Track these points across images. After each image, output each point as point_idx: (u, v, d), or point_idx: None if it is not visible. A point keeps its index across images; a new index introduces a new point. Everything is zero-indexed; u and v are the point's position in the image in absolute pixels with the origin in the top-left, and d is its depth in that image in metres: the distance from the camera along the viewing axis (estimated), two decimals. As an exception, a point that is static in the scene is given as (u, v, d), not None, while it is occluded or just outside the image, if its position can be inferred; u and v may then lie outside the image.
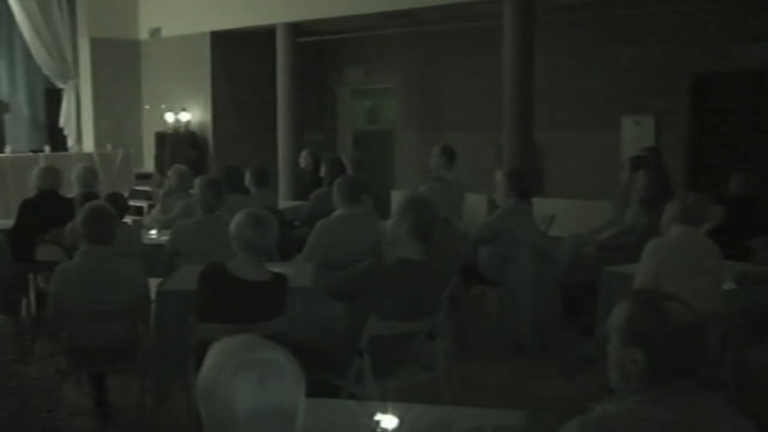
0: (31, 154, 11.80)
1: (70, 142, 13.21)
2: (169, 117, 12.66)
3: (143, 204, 10.72)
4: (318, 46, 12.39)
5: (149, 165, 13.02)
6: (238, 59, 12.60)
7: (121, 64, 13.09)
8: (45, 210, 6.51)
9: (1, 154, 11.46)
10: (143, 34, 13.31)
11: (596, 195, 9.48)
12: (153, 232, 6.59)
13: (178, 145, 12.45)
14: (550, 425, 2.02)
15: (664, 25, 9.84)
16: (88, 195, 6.24)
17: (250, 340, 1.71)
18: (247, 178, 7.57)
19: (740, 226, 6.19)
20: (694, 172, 9.88)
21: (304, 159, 9.79)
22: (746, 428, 1.95)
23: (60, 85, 13.17)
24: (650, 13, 9.76)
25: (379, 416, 2.44)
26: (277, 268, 4.16)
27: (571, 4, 9.65)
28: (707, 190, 5.85)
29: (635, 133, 10.05)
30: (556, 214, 7.79)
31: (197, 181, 5.79)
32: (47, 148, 11.96)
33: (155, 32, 13.12)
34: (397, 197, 6.38)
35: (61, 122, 13.26)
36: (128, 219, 7.08)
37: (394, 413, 2.47)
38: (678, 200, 4.71)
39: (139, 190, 11.57)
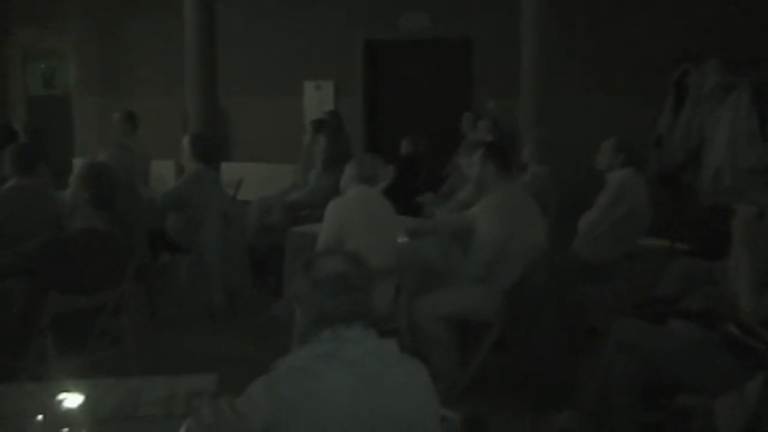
0: None
1: None
2: None
3: None
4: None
5: None
6: None
7: None
8: None
9: None
10: None
11: (282, 158, 9.71)
12: None
13: None
14: (240, 386, 2.08)
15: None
16: None
17: None
18: None
19: (410, 183, 6.70)
20: (371, 135, 10.47)
21: (-31, 126, 8.95)
22: (417, 368, 2.16)
23: None
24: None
25: (63, 395, 2.35)
26: (-61, 247, 3.82)
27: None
28: (382, 152, 6.27)
29: (316, 98, 10.41)
30: (243, 178, 7.89)
31: None
32: None
33: None
34: (78, 165, 6.08)
35: None
36: None
37: (79, 390, 2.40)
38: (355, 161, 4.99)
39: None
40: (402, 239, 4.97)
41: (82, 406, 2.34)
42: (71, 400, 2.34)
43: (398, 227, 4.97)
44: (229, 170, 8.51)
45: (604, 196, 5.38)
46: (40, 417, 2.28)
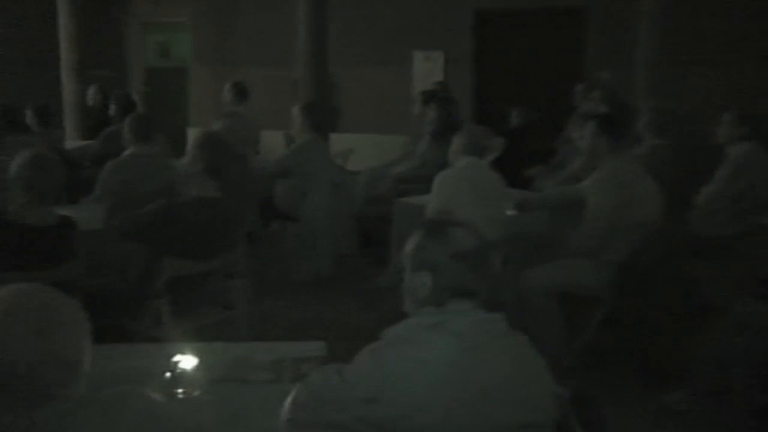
0: None
1: None
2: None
3: None
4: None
5: None
6: (11, -13, 11.65)
7: None
8: None
9: None
10: None
11: (390, 129, 9.71)
12: None
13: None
14: (348, 354, 2.09)
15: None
16: None
17: (26, 289, 1.65)
18: (29, 117, 7.12)
19: (520, 156, 6.59)
20: (480, 106, 10.35)
21: (92, 96, 9.32)
22: (524, 342, 2.11)
23: None
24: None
25: (178, 357, 2.42)
26: (65, 211, 3.98)
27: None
28: (491, 123, 6.17)
29: (426, 69, 10.34)
30: (353, 149, 7.93)
31: (-31, 122, 5.39)
32: None
33: None
34: (193, 135, 6.26)
35: None
36: None
37: (193, 353, 2.46)
38: (463, 133, 4.94)
39: None
40: (510, 212, 4.91)
41: (196, 368, 2.40)
42: (186, 361, 2.40)
43: (507, 199, 4.91)
44: (338, 141, 8.58)
45: (724, 170, 5.18)
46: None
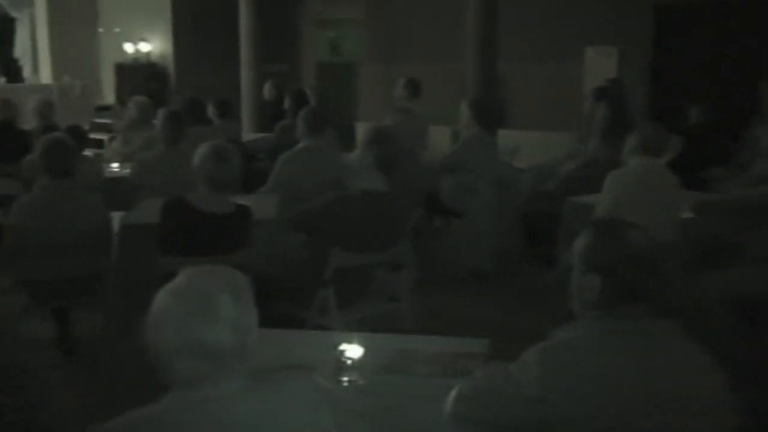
0: (-15, 85, 11.57)
1: (26, 73, 12.91)
2: (129, 47, 12.40)
3: (104, 136, 10.57)
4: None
5: (109, 96, 12.78)
6: (198, -13, 12.33)
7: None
8: (0, 142, 6.41)
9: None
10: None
11: (559, 126, 9.51)
12: (114, 165, 6.52)
13: (138, 76, 12.23)
14: (512, 353, 2.06)
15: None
16: (47, 127, 6.15)
17: (200, 271, 1.73)
18: (210, 110, 7.49)
19: (698, 156, 6.28)
20: (657, 104, 9.94)
21: (268, 90, 9.69)
22: (697, 352, 2.01)
23: (14, 14, 12.81)
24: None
25: (343, 346, 2.47)
26: (240, 200, 4.15)
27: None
28: (667, 122, 5.91)
29: (598, 65, 10.04)
30: (520, 146, 7.82)
31: (159, 113, 5.72)
32: (2, 80, 11.69)
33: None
34: (362, 129, 6.38)
35: (17, 52, 12.94)
36: (89, 152, 6.98)
37: (358, 342, 2.50)
38: (638, 131, 4.75)
39: (99, 123, 11.38)
40: (687, 214, 4.69)
41: (361, 358, 2.43)
42: (352, 350, 2.44)
43: (683, 201, 4.69)
44: (506, 137, 8.47)
45: None
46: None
